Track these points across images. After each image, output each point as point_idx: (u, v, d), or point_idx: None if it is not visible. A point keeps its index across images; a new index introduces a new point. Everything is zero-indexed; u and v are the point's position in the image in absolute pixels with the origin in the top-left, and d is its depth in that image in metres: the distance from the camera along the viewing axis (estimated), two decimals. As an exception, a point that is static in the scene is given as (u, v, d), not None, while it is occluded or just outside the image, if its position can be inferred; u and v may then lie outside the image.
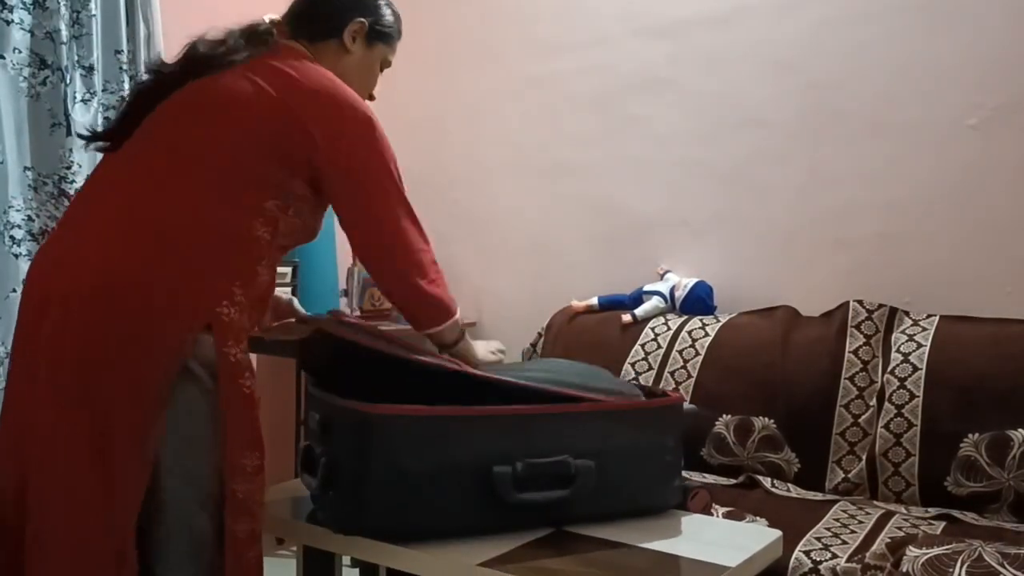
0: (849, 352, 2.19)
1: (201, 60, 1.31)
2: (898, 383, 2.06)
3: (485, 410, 1.27)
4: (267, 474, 1.28)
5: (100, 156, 1.38)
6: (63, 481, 1.16)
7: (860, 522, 1.82)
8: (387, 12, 1.50)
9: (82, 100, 2.49)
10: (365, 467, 1.22)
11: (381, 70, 1.55)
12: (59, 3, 2.41)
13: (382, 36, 1.50)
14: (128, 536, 1.16)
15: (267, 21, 1.40)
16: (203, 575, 1.21)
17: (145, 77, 1.33)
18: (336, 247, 3.05)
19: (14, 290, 2.35)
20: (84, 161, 2.47)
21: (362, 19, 1.45)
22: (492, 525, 1.28)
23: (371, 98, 1.53)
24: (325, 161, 1.30)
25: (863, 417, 2.11)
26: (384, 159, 1.34)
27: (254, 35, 1.37)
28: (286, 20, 1.44)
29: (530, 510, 1.28)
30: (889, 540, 1.65)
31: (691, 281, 2.62)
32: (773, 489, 2.08)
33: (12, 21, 2.35)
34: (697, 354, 2.38)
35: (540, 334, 2.79)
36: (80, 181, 2.45)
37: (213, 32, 1.35)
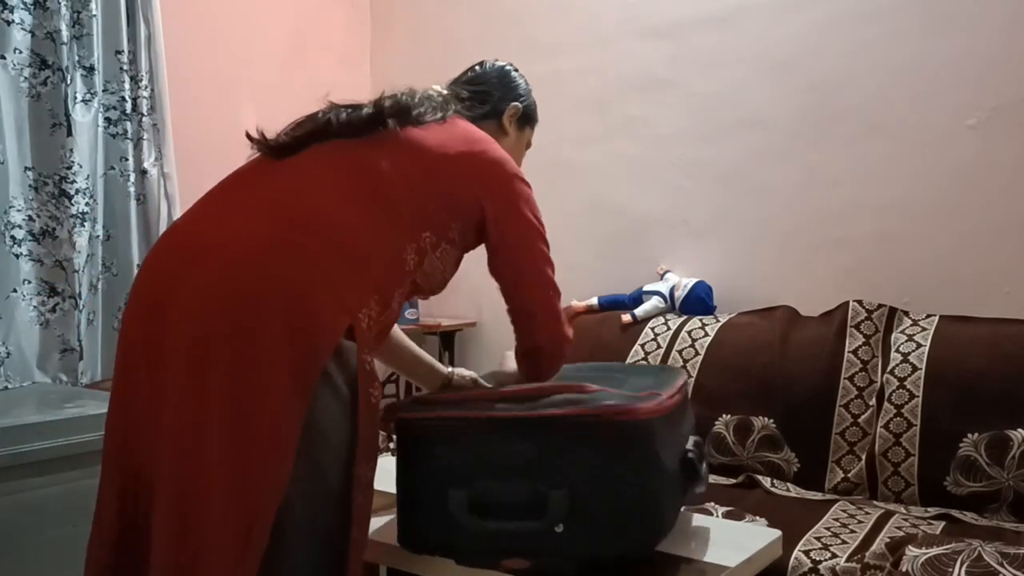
0: (848, 352, 2.20)
1: (401, 111, 1.37)
2: (897, 383, 2.06)
3: (676, 400, 1.29)
4: None
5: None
6: (193, 459, 1.12)
7: (860, 522, 1.83)
8: (532, 97, 1.63)
9: (83, 100, 2.49)
10: (635, 478, 1.14)
11: (526, 151, 1.65)
12: (60, 3, 2.41)
13: (530, 120, 1.62)
14: (262, 514, 1.09)
15: (439, 90, 1.50)
16: None
17: (343, 108, 1.37)
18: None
19: (14, 290, 2.36)
20: (84, 161, 2.47)
21: (517, 103, 1.57)
22: (676, 513, 1.28)
23: None
24: (491, 228, 1.39)
25: (863, 417, 2.11)
26: (539, 232, 1.44)
27: (437, 101, 1.45)
28: (461, 100, 1.52)
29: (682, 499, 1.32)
30: (889, 540, 1.66)
31: (691, 281, 2.62)
32: (773, 489, 2.08)
33: (13, 21, 2.35)
34: (697, 354, 2.38)
35: (540, 334, 2.79)
36: (80, 181, 2.46)
37: (403, 90, 1.44)
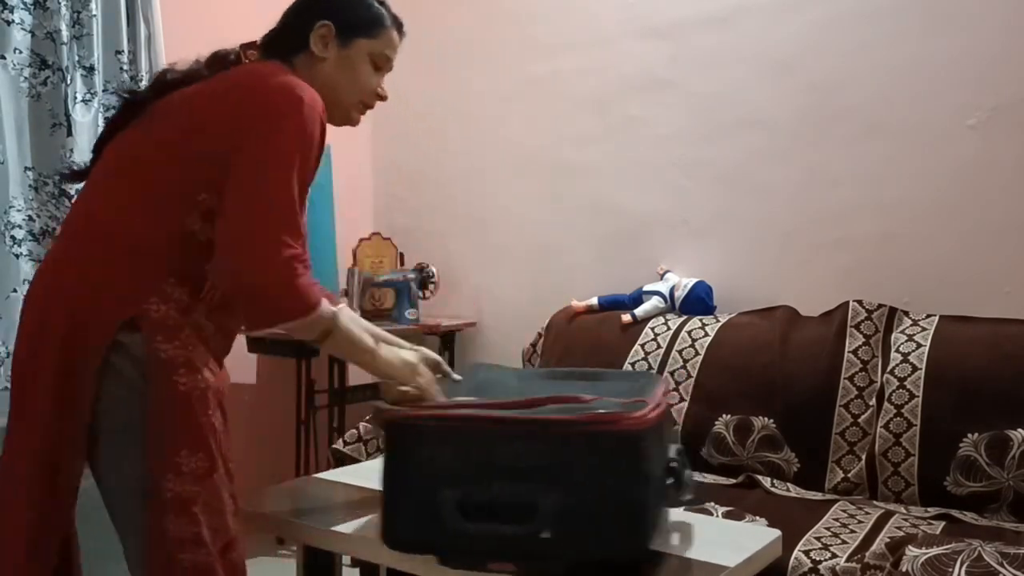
0: (848, 352, 2.19)
1: (167, 85, 1.34)
2: (897, 383, 2.06)
3: (663, 410, 1.29)
4: (230, 477, 1.26)
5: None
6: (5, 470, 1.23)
7: (860, 522, 1.83)
8: (359, 5, 1.40)
9: (83, 100, 2.49)
10: (624, 487, 1.14)
11: (379, 66, 1.43)
12: (60, 3, 2.41)
13: (358, 30, 1.38)
14: (58, 524, 1.21)
15: (236, 48, 1.40)
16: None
17: (117, 104, 1.38)
18: (336, 244, 3.06)
19: (14, 290, 2.35)
20: (85, 161, 2.47)
21: (326, 21, 1.36)
22: (661, 520, 1.29)
23: (380, 98, 1.46)
24: (235, 144, 1.22)
25: (863, 417, 2.11)
26: (286, 144, 1.21)
27: (217, 60, 1.38)
28: (261, 44, 1.41)
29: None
30: (889, 540, 1.65)
31: (691, 281, 2.62)
32: (773, 489, 2.08)
33: (13, 21, 2.35)
34: (697, 354, 2.38)
35: (540, 334, 2.79)
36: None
37: (183, 62, 1.37)
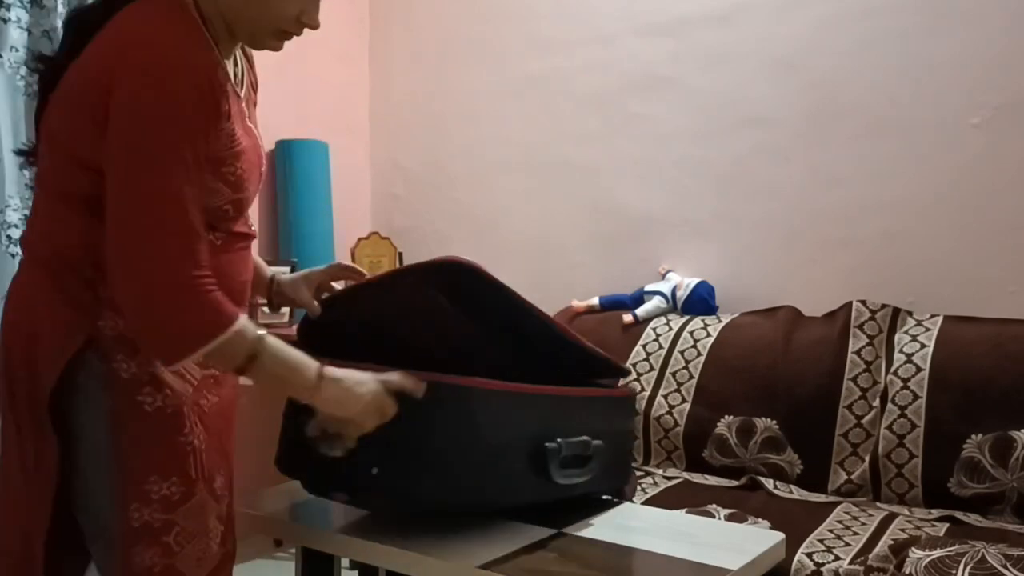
0: (852, 353, 2.18)
1: (75, 36, 1.11)
2: (901, 384, 2.05)
3: (541, 389, 1.30)
4: (217, 497, 1.18)
5: None
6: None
7: (863, 524, 1.81)
8: None
9: (80, 98, 2.48)
10: (437, 438, 1.18)
11: None
12: (56, 1, 2.39)
13: None
14: (35, 541, 1.12)
15: None
16: None
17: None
18: (334, 243, 3.04)
19: (11, 290, 2.34)
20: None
21: None
22: (530, 503, 1.30)
23: (306, 26, 1.18)
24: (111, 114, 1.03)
25: (866, 418, 2.09)
26: (137, 154, 1.01)
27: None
28: None
29: (555, 491, 1.31)
30: (892, 542, 1.65)
31: (693, 281, 2.61)
32: (775, 491, 2.06)
33: (10, 19, 2.34)
34: (699, 354, 2.37)
35: (540, 334, 2.77)
36: (78, 180, 2.44)
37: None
